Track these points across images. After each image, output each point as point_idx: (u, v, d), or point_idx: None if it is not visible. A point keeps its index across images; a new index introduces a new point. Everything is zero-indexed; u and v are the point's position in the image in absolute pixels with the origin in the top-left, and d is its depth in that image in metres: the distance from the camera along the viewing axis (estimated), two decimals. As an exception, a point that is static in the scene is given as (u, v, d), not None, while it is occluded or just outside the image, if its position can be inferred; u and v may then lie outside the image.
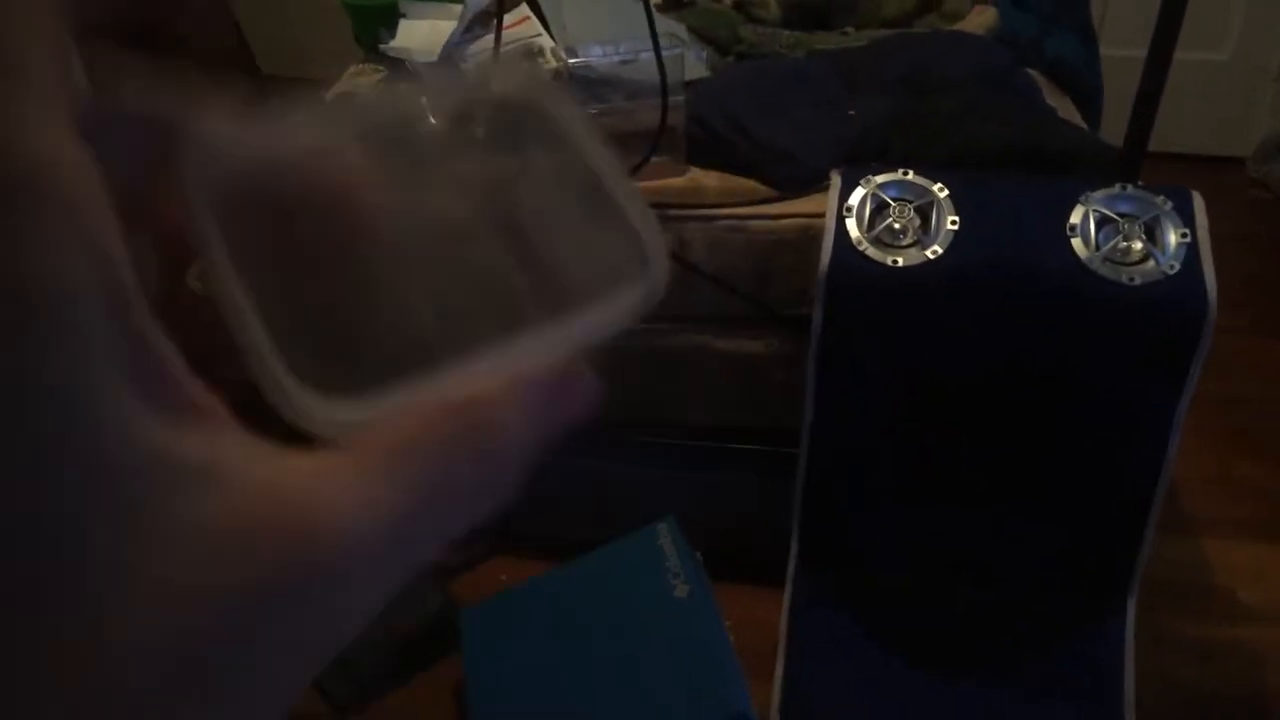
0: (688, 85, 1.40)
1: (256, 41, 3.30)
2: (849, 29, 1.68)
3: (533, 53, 1.46)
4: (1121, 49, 1.92)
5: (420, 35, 1.50)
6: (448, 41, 1.46)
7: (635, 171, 1.32)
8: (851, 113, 1.42)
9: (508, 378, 0.22)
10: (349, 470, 0.19)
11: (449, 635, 1.42)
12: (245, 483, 0.18)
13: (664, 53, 1.24)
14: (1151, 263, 1.15)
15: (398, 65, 1.53)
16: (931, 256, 1.17)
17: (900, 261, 1.18)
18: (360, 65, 1.63)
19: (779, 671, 1.32)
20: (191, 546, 0.17)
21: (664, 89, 1.26)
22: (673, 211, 1.36)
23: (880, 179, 1.23)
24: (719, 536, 1.41)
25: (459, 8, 1.51)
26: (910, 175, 1.23)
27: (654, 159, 1.34)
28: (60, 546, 0.16)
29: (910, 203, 1.21)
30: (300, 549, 0.18)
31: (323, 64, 1.87)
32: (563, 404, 0.23)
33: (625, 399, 1.49)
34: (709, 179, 1.42)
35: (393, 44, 1.52)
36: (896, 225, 1.20)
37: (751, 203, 1.35)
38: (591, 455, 1.55)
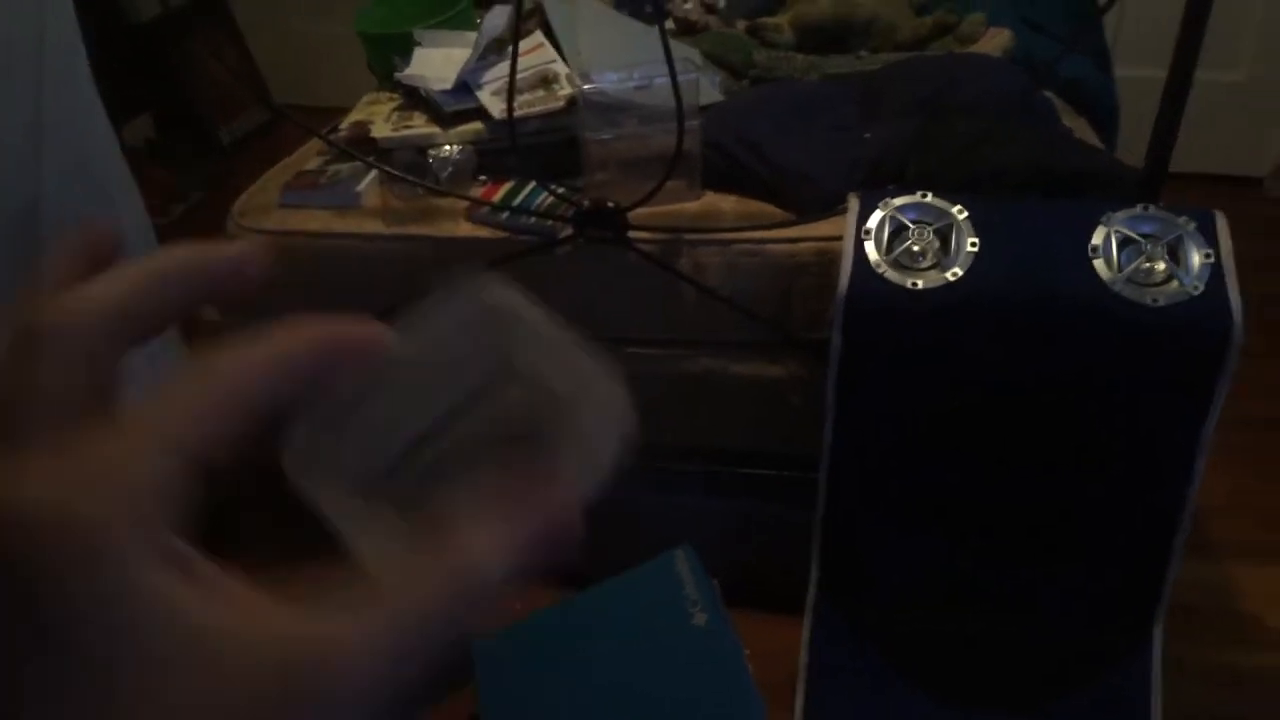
0: (702, 110, 1.40)
1: (270, 71, 3.33)
2: (863, 52, 1.67)
3: (547, 79, 1.46)
4: (1136, 69, 1.91)
5: (435, 63, 1.51)
6: (463, 69, 1.47)
7: (651, 196, 1.32)
8: (867, 136, 1.41)
9: (504, 530, 0.26)
10: (359, 631, 0.24)
11: (462, 667, 1.40)
12: (253, 640, 0.24)
13: (679, 78, 1.24)
14: (1175, 283, 1.13)
15: (412, 93, 1.53)
16: (951, 279, 1.16)
17: (920, 284, 1.17)
18: (375, 94, 1.63)
19: (799, 702, 1.30)
20: (207, 691, 0.22)
21: (680, 114, 1.25)
22: (689, 235, 1.36)
23: (899, 201, 1.22)
24: (737, 564, 1.40)
25: (474, 35, 1.52)
26: (929, 198, 1.22)
27: (669, 183, 1.33)
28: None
29: (929, 225, 1.20)
30: (309, 691, 0.23)
31: (336, 93, 1.88)
32: (547, 553, 0.26)
33: (642, 424, 1.47)
34: (725, 203, 1.41)
35: (408, 72, 1.53)
36: (916, 248, 1.19)
37: (768, 226, 1.34)
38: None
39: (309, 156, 1.61)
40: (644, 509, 1.54)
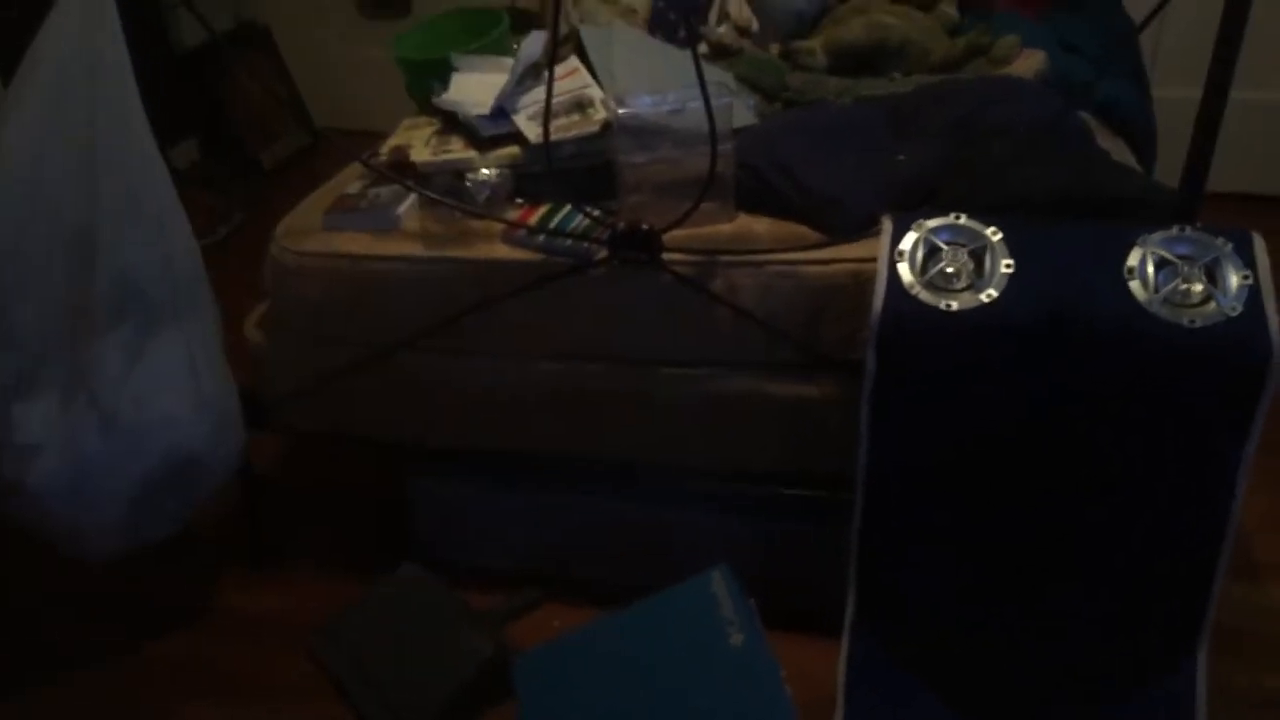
0: (736, 133, 1.41)
1: (311, 96, 3.39)
2: (896, 75, 1.68)
3: (582, 104, 1.48)
4: (1174, 90, 1.90)
5: (472, 88, 1.54)
6: (499, 94, 1.49)
7: (685, 219, 1.33)
8: (901, 158, 1.42)
9: None
10: None
11: (501, 682, 1.42)
12: None
13: (712, 102, 1.26)
14: (1213, 305, 1.13)
15: (451, 118, 1.56)
16: (986, 300, 1.16)
17: (954, 306, 1.18)
18: (414, 118, 1.66)
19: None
20: None
21: (713, 137, 1.27)
22: (724, 257, 1.37)
23: (932, 223, 1.23)
24: (773, 585, 1.40)
25: (510, 61, 1.54)
26: (963, 219, 1.22)
27: (704, 206, 1.35)
28: None
29: (963, 246, 1.20)
30: None
31: (376, 118, 1.91)
32: None
33: (674, 443, 1.49)
34: (759, 225, 1.43)
35: (445, 97, 1.55)
36: (950, 269, 1.20)
37: (802, 248, 1.35)
38: (644, 500, 1.55)
39: (349, 180, 1.65)
40: (681, 529, 1.55)
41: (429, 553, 1.63)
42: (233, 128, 3.21)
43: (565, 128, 1.46)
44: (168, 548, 1.56)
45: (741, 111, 1.53)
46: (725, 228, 1.43)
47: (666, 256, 1.36)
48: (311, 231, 1.54)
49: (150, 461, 1.43)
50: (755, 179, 1.42)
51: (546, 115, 1.30)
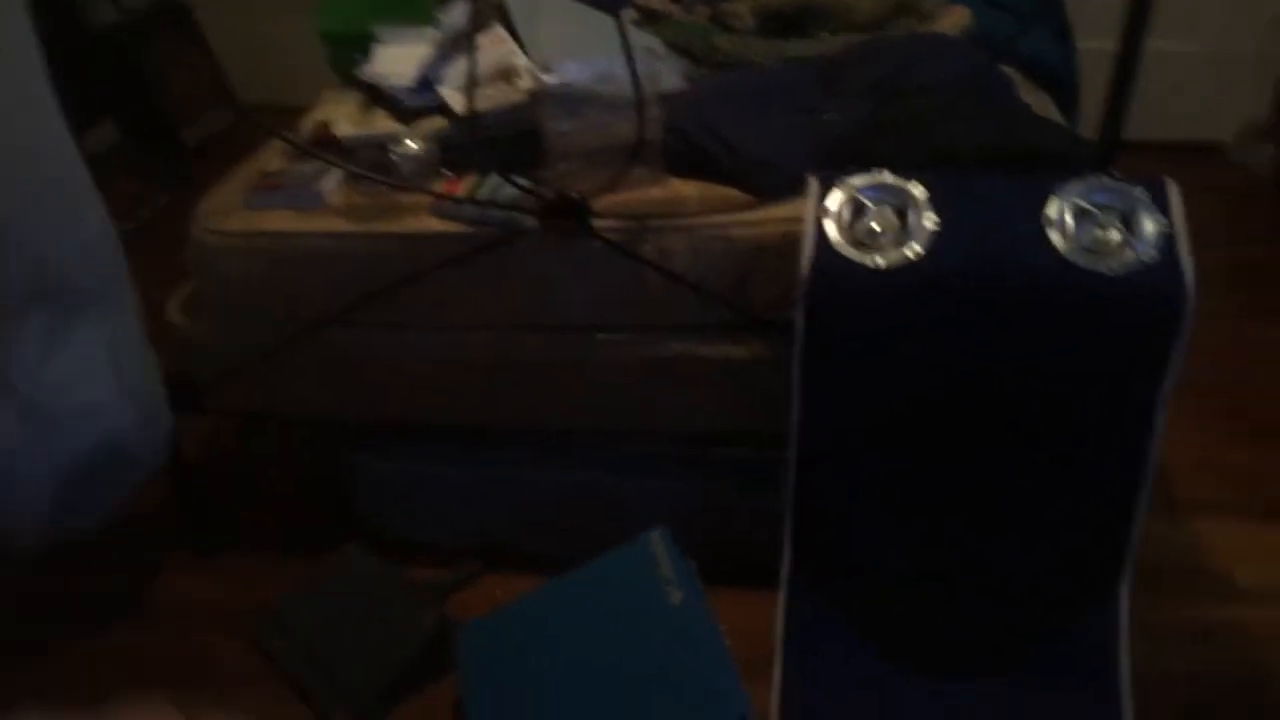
0: (664, 98, 1.41)
1: (234, 71, 3.31)
2: (824, 34, 1.69)
3: (508, 73, 1.47)
4: (1098, 41, 1.92)
5: (396, 60, 1.51)
6: (423, 65, 1.47)
7: (613, 185, 1.33)
8: (828, 117, 1.42)
9: None
10: None
11: (445, 654, 1.42)
12: None
13: (639, 67, 1.25)
14: (1130, 252, 1.15)
15: (374, 90, 1.53)
16: (912, 256, 1.18)
17: (881, 263, 1.19)
18: (337, 92, 1.63)
19: (776, 674, 1.32)
20: None
21: (640, 102, 1.26)
22: (654, 222, 1.37)
23: (858, 181, 1.24)
24: (711, 543, 1.41)
25: (434, 32, 1.52)
26: (888, 176, 1.23)
27: (633, 171, 1.35)
28: None
29: (888, 203, 1.22)
30: None
31: (304, 92, 1.87)
32: None
33: (611, 409, 1.50)
34: (688, 189, 1.43)
35: (368, 69, 1.53)
36: (876, 226, 1.21)
37: (731, 210, 1.36)
38: (578, 468, 1.56)
39: (272, 158, 1.61)
40: (622, 495, 1.56)
41: (371, 530, 1.62)
42: (153, 107, 3.12)
43: (491, 98, 1.44)
44: (103, 538, 1.53)
45: (670, 75, 1.52)
46: (655, 193, 1.43)
47: (596, 223, 1.36)
48: (233, 211, 1.51)
49: (74, 450, 1.39)
50: (684, 143, 1.42)
51: (470, 84, 1.28)
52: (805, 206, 1.25)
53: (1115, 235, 1.16)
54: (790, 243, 1.29)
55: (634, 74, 1.26)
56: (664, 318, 1.42)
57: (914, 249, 1.18)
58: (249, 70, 3.29)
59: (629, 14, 1.73)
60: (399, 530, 1.64)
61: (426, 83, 1.47)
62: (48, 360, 1.36)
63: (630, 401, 1.48)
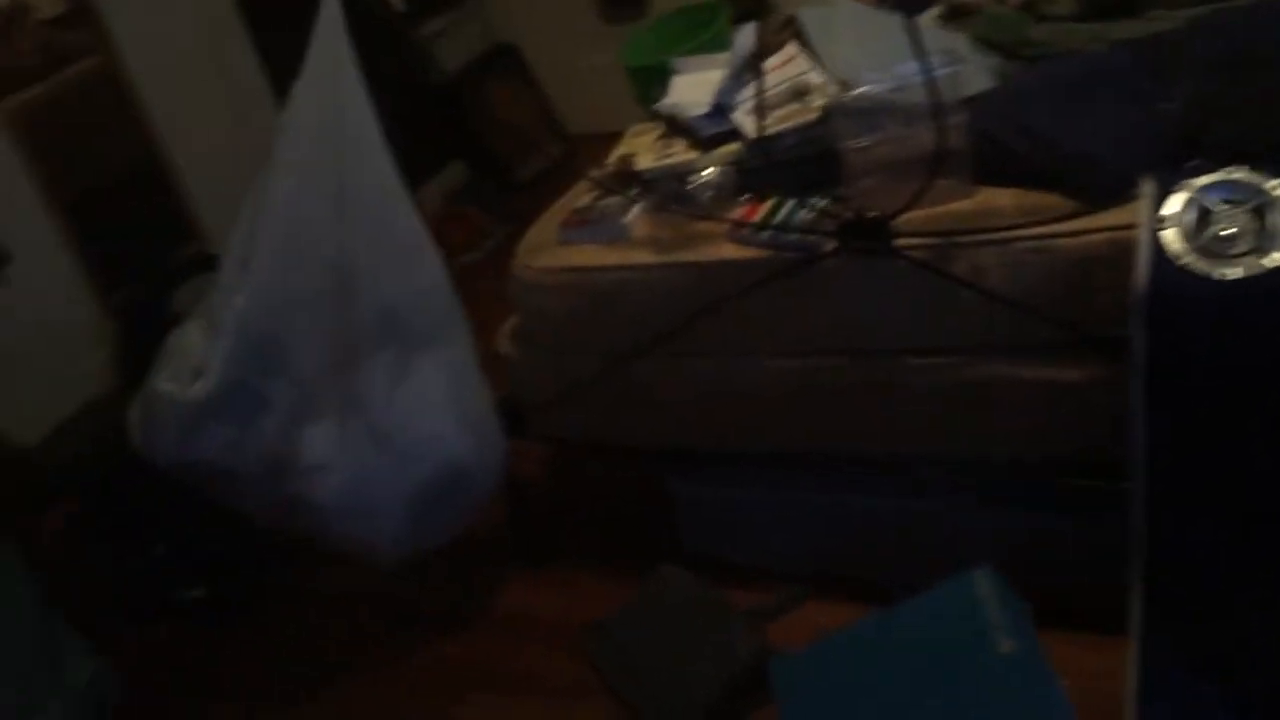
0: (968, 101, 1.31)
1: (563, 106, 3.51)
2: (1158, 11, 1.49)
3: (801, 92, 1.43)
4: None
5: (691, 89, 1.52)
6: (716, 91, 1.47)
7: (915, 201, 1.25)
8: (1165, 107, 1.25)
9: None
10: None
11: (766, 680, 1.40)
12: None
13: (937, 70, 1.17)
14: None
15: (673, 121, 1.55)
16: (1271, 266, 1.00)
17: (1235, 274, 1.02)
18: (640, 125, 1.67)
19: (1126, 734, 1.18)
20: None
21: (938, 110, 1.18)
22: (963, 237, 1.28)
23: (1201, 181, 1.08)
24: (1041, 581, 1.29)
25: (727, 57, 1.52)
26: (1239, 173, 1.06)
27: (939, 183, 1.26)
28: None
29: (1241, 204, 1.05)
30: None
31: (627, 118, 1.93)
32: None
33: (925, 434, 1.41)
34: (1002, 197, 1.31)
35: (666, 101, 1.55)
36: (1226, 232, 1.04)
37: (1051, 219, 1.23)
38: (901, 495, 1.48)
39: (581, 194, 1.68)
40: (940, 522, 1.47)
41: (692, 552, 1.64)
42: (491, 146, 3.39)
43: (784, 118, 1.41)
44: (446, 553, 1.67)
45: (976, 76, 1.41)
46: (963, 205, 1.33)
47: (900, 242, 1.29)
48: (547, 247, 1.59)
49: (422, 475, 1.54)
50: (995, 147, 1.30)
51: (760, 108, 1.26)
52: (1139, 212, 1.10)
53: None
54: (1122, 251, 1.15)
55: (930, 82, 1.18)
56: (979, 338, 1.32)
57: (1274, 257, 1.00)
58: (577, 103, 3.49)
59: (936, 11, 1.62)
60: (719, 553, 1.65)
61: (720, 109, 1.47)
62: (395, 394, 1.51)
63: (941, 426, 1.39)
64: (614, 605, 1.62)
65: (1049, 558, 1.38)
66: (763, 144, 1.30)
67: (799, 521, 1.59)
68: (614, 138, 1.72)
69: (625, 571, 1.69)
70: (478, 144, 3.37)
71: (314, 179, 1.40)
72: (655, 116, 1.65)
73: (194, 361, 1.41)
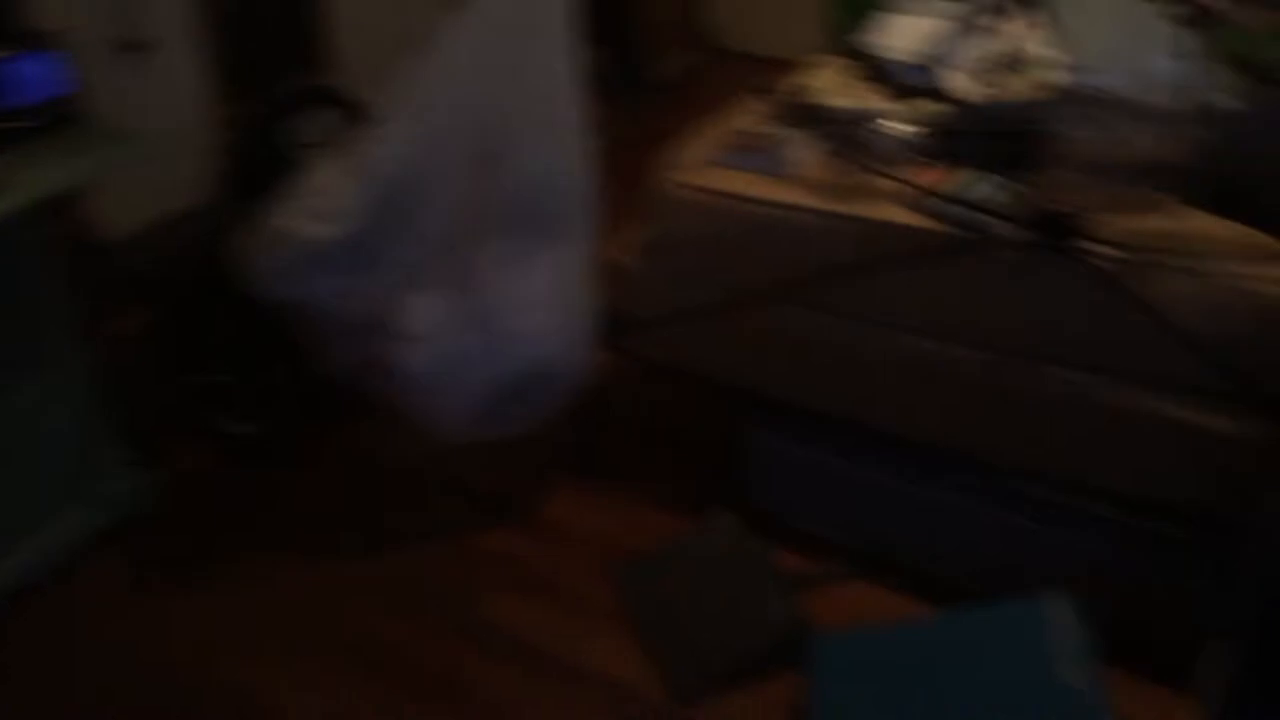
0: (1206, 117, 1.19)
1: (718, 13, 3.33)
2: None
3: (1020, 63, 1.31)
4: None
5: (903, 33, 1.40)
6: (935, 42, 1.35)
7: (1114, 206, 1.14)
8: None
9: None
10: None
11: (791, 650, 1.35)
12: None
13: (1181, 79, 1.05)
14: None
15: (869, 60, 1.44)
16: None
17: None
18: (820, 56, 1.55)
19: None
20: None
21: (1177, 119, 1.07)
22: (1162, 258, 1.17)
23: None
24: (1106, 619, 1.23)
25: (953, 7, 1.39)
26: None
27: (1146, 195, 1.16)
28: None
29: None
30: None
31: (776, 43, 1.80)
32: None
33: (1041, 450, 1.33)
34: (1217, 228, 1.20)
35: (870, 39, 1.43)
36: None
37: (1271, 261, 1.12)
38: (986, 499, 1.41)
39: (743, 115, 1.57)
40: (1020, 536, 1.40)
41: (750, 503, 1.59)
42: (628, 39, 3.25)
43: (993, 87, 1.29)
44: (507, 446, 1.62)
45: (1223, 93, 1.28)
46: (1164, 223, 1.22)
47: (1089, 247, 1.18)
48: (701, 166, 1.49)
49: (512, 366, 1.48)
50: (1225, 175, 1.19)
51: (987, 73, 1.15)
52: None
53: None
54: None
55: (1181, 84, 1.06)
56: (1141, 367, 1.22)
57: None
58: (733, 13, 3.31)
59: (1179, 11, 1.48)
60: (779, 510, 1.59)
61: (930, 62, 1.35)
62: (507, 282, 1.45)
63: (1065, 446, 1.31)
64: (658, 539, 1.57)
65: (1123, 598, 1.31)
66: (977, 111, 1.19)
67: (870, 500, 1.53)
68: (752, 60, 1.60)
69: (678, 507, 1.65)
70: (616, 32, 3.22)
71: (496, 43, 1.32)
72: (846, 51, 1.53)
73: (331, 202, 1.35)
